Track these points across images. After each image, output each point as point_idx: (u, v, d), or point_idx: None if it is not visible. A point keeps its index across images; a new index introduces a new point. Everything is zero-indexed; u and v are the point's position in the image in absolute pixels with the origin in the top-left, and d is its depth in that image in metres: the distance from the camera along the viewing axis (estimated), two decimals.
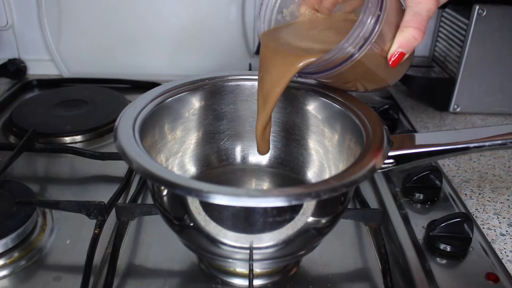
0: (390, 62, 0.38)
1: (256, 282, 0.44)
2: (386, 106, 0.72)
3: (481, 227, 0.53)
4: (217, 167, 0.53)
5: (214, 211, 0.36)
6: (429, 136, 0.47)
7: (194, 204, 0.36)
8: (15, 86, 0.85)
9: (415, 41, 0.37)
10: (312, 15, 0.45)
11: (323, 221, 0.39)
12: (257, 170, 0.53)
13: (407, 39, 0.37)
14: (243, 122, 0.53)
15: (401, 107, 0.82)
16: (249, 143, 0.53)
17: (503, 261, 0.47)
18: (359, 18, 0.36)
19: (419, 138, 0.45)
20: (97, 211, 0.48)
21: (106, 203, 0.48)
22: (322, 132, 0.49)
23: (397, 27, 0.38)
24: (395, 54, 0.37)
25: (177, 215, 0.39)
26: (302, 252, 0.42)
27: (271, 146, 0.53)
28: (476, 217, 0.54)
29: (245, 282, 0.44)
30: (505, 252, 0.49)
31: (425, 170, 0.56)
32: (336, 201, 0.39)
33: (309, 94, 0.49)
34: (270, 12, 0.44)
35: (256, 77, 0.50)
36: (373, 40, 0.36)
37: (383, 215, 0.49)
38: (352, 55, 0.37)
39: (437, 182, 0.56)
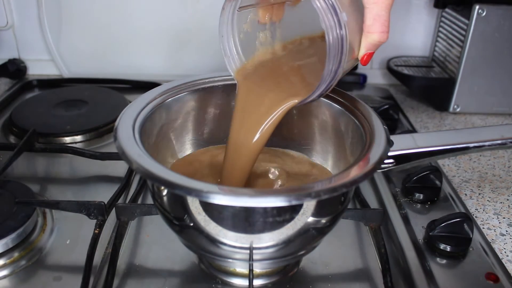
0: (362, 62, 0.39)
1: (256, 282, 0.44)
2: (386, 106, 0.72)
3: (481, 227, 0.53)
4: None
5: (214, 211, 0.36)
6: (429, 136, 0.47)
7: (194, 204, 0.36)
8: (15, 86, 0.85)
9: (381, 43, 0.37)
10: (276, 47, 0.46)
11: (323, 221, 0.39)
12: None
13: (373, 43, 0.37)
14: None
15: (401, 107, 0.82)
16: None
17: (503, 261, 0.47)
18: (325, 66, 0.37)
19: (419, 138, 0.45)
20: (97, 211, 0.48)
21: (106, 203, 0.48)
22: (322, 133, 0.49)
23: (361, 30, 0.37)
24: (365, 56, 0.38)
25: (177, 215, 0.39)
26: (302, 252, 0.42)
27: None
28: (476, 217, 0.55)
29: (245, 282, 0.44)
30: (505, 252, 0.49)
31: (425, 170, 0.56)
32: (336, 201, 0.39)
33: None
34: (232, 38, 0.43)
35: None
36: (343, 68, 0.38)
37: (383, 215, 0.49)
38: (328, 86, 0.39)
39: (437, 182, 0.56)
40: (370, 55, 0.38)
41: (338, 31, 0.36)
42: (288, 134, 0.52)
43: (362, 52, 0.38)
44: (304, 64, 0.45)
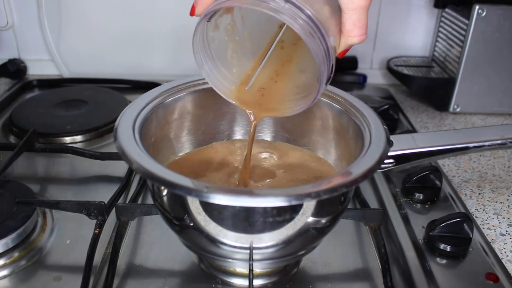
0: (339, 56, 0.40)
1: (256, 282, 0.44)
2: (386, 106, 0.72)
3: (481, 227, 0.53)
4: None
5: (214, 211, 0.36)
6: (429, 136, 0.47)
7: (194, 204, 0.36)
8: (15, 86, 0.85)
9: (359, 43, 0.39)
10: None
11: (323, 221, 0.39)
12: None
13: (352, 44, 0.39)
14: (243, 122, 0.53)
15: (401, 107, 0.82)
16: None
17: (503, 261, 0.47)
18: (318, 86, 0.38)
19: (419, 138, 0.45)
20: (97, 211, 0.48)
21: (106, 203, 0.48)
22: (322, 132, 0.49)
23: (340, 31, 0.38)
24: (342, 52, 0.40)
25: (177, 215, 0.39)
26: (302, 252, 0.42)
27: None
28: (476, 217, 0.55)
29: (245, 282, 0.44)
30: (505, 252, 0.49)
31: (425, 170, 0.56)
32: (336, 201, 0.39)
33: None
34: (205, 50, 0.44)
35: None
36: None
37: (383, 215, 0.49)
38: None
39: (437, 182, 0.56)
40: (347, 51, 0.40)
41: (325, 56, 0.36)
42: (288, 135, 0.52)
43: (341, 49, 0.39)
44: (290, 73, 0.46)
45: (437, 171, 0.56)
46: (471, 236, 0.48)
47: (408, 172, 0.57)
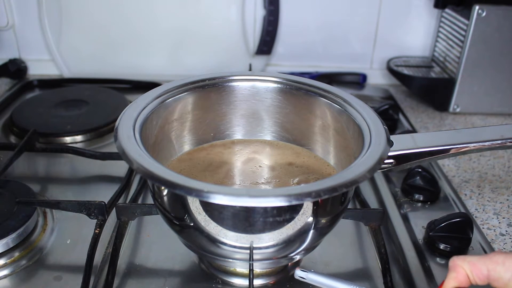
0: None
1: (256, 282, 0.44)
2: (386, 106, 0.72)
3: (481, 227, 0.53)
4: None
5: (214, 211, 0.36)
6: (429, 136, 0.47)
7: (194, 204, 0.36)
8: (15, 86, 0.85)
9: None
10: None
11: (323, 221, 0.39)
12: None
13: None
14: (243, 122, 0.53)
15: (401, 107, 0.82)
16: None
17: None
18: None
19: (419, 138, 0.45)
20: (98, 211, 0.48)
21: (106, 203, 0.48)
22: (322, 132, 0.50)
23: None
24: None
25: (177, 215, 0.39)
26: (302, 252, 0.42)
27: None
28: (476, 217, 0.55)
29: (245, 282, 0.44)
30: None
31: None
32: (336, 201, 0.39)
33: (309, 94, 0.49)
34: None
35: (256, 77, 0.51)
36: None
37: (383, 215, 0.49)
38: None
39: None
40: None
41: None
42: (288, 135, 0.52)
43: None
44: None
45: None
46: (471, 236, 0.48)
47: (408, 171, 0.57)
